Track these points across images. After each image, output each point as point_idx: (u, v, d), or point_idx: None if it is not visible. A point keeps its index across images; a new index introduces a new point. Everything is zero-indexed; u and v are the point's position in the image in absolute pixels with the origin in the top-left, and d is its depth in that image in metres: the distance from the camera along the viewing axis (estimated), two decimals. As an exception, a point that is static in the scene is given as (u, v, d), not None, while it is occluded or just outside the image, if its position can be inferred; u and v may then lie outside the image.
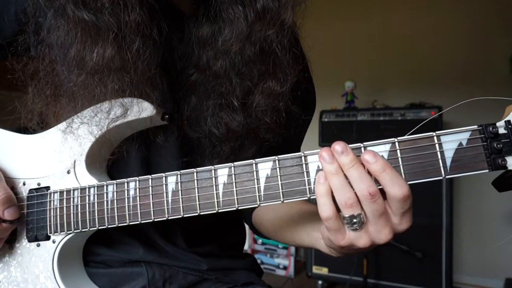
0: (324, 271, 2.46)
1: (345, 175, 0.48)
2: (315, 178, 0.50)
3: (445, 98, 2.59)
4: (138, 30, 0.59)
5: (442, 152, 0.46)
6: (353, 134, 2.50)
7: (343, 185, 0.48)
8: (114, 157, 0.67)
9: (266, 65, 0.65)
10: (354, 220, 0.48)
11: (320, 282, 2.58)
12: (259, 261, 2.13)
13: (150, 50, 0.61)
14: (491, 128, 0.44)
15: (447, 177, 0.46)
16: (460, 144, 0.45)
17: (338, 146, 0.48)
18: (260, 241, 3.05)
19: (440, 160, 0.46)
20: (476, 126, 0.45)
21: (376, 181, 0.47)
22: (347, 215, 0.48)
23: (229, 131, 0.67)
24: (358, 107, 2.68)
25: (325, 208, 0.48)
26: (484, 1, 2.70)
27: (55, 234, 0.62)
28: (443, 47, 2.82)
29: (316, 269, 2.48)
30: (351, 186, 0.48)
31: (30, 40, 0.63)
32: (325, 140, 2.59)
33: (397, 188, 0.46)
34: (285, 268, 2.95)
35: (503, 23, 2.63)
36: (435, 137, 0.46)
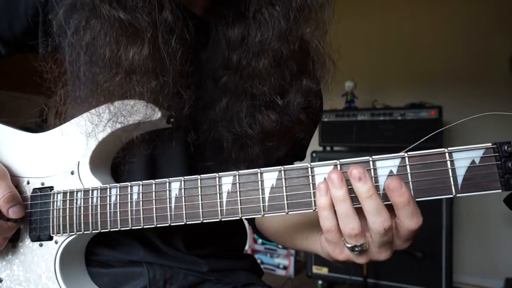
0: (324, 271, 2.46)
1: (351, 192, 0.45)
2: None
3: (445, 98, 2.59)
4: (172, 29, 0.58)
5: (453, 170, 0.43)
6: (353, 134, 2.50)
7: (349, 213, 0.45)
8: (118, 160, 0.66)
9: (303, 63, 0.64)
10: (356, 248, 0.47)
11: (320, 282, 2.58)
12: (259, 261, 2.12)
13: (184, 50, 0.60)
14: (506, 147, 0.42)
15: (457, 195, 0.44)
16: (473, 162, 0.43)
17: (356, 171, 0.43)
18: (260, 241, 3.05)
19: (451, 178, 0.43)
20: (490, 144, 0.43)
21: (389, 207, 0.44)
22: (349, 245, 0.47)
23: (264, 130, 0.66)
24: (358, 107, 2.69)
25: (327, 222, 0.47)
26: (484, 1, 2.70)
27: (58, 235, 0.62)
28: (443, 47, 2.82)
29: (316, 269, 2.48)
30: (352, 204, 0.45)
31: (53, 39, 0.62)
32: (325, 140, 2.60)
33: (414, 221, 0.44)
34: (285, 268, 2.95)
35: (503, 23, 2.64)
36: (446, 154, 0.44)
